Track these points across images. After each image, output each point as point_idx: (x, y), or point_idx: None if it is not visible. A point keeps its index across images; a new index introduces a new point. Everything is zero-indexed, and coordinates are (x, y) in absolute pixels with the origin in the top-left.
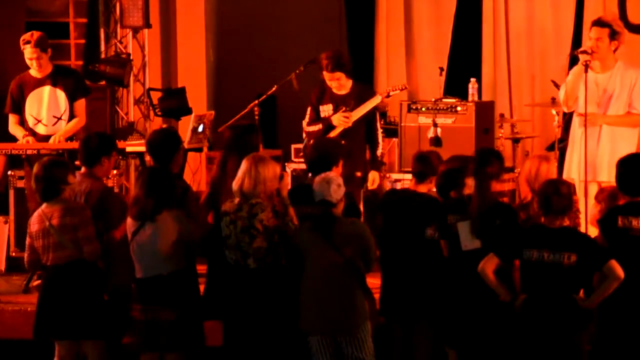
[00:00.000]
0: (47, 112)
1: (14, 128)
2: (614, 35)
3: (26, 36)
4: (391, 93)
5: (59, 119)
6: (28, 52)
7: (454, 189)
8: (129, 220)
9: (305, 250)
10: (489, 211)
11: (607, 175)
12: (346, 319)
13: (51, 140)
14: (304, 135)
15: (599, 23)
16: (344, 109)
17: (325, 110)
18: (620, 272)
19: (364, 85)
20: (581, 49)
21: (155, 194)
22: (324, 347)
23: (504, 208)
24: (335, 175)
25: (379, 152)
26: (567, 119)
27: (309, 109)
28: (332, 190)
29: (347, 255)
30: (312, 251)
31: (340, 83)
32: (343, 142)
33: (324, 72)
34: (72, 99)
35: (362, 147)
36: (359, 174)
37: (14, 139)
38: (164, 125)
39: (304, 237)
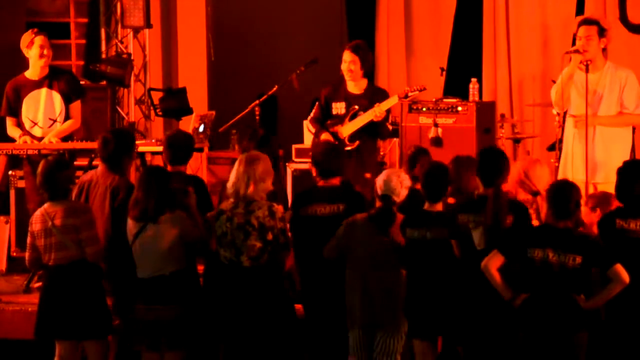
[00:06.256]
0: (44, 114)
1: (11, 130)
2: (602, 32)
3: (34, 29)
4: (409, 94)
5: (55, 121)
6: (40, 39)
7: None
8: (130, 222)
9: (355, 243)
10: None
11: (603, 177)
12: (392, 313)
13: (45, 141)
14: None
15: (586, 22)
16: (356, 108)
17: (338, 107)
18: (625, 276)
19: (378, 87)
20: (573, 49)
21: (156, 195)
22: (363, 342)
23: (517, 206)
24: (405, 175)
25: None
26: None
27: (316, 105)
28: (402, 192)
29: (400, 251)
30: (365, 243)
31: (351, 69)
32: (357, 142)
33: (345, 51)
34: (67, 101)
35: (373, 148)
36: (368, 175)
37: (14, 139)
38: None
39: (357, 228)
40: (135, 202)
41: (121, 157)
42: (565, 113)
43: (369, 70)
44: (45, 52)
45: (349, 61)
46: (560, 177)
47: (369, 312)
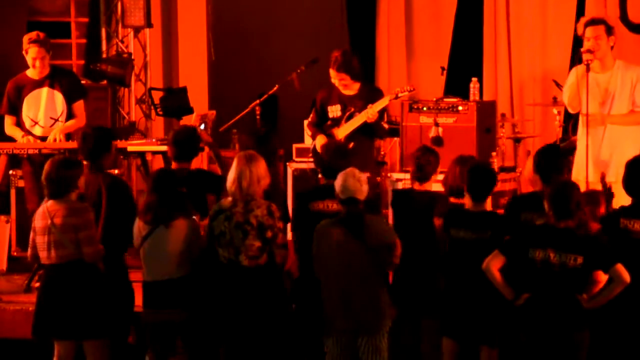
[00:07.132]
0: (45, 113)
1: (10, 129)
2: (609, 30)
3: (32, 35)
4: (399, 95)
5: (56, 120)
6: (34, 51)
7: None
8: (140, 224)
9: (329, 247)
10: None
11: (615, 175)
12: (372, 316)
13: (50, 137)
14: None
15: (593, 22)
16: (352, 109)
17: (334, 110)
18: (626, 276)
19: (372, 86)
20: (585, 49)
21: (169, 199)
22: (341, 347)
23: None
24: (359, 171)
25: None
26: (574, 120)
27: (313, 111)
28: (363, 188)
29: (376, 252)
30: (338, 248)
31: (344, 84)
32: (352, 143)
33: (330, 69)
34: (70, 101)
35: (370, 147)
36: (367, 174)
37: (12, 138)
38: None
39: (328, 234)
40: (148, 206)
41: (100, 153)
42: (568, 114)
43: (359, 74)
44: (37, 64)
45: (339, 79)
46: (573, 177)
47: (351, 317)
